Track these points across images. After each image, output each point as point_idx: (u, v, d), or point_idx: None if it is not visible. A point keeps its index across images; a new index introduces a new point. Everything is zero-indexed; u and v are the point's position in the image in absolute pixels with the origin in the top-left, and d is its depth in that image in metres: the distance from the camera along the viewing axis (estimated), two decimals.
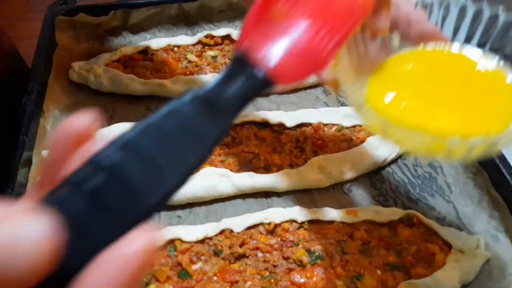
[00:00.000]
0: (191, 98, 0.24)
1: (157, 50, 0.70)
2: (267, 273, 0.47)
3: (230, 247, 0.48)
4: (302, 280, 0.46)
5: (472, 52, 0.42)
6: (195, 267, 0.47)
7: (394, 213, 0.51)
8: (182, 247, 0.48)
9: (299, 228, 0.50)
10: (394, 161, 0.58)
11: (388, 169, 0.58)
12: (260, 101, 0.65)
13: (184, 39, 0.72)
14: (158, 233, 0.20)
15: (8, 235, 0.16)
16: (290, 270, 0.47)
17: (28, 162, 0.54)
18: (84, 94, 0.66)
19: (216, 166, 0.55)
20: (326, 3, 0.32)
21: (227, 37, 0.73)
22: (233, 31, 0.73)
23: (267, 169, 0.56)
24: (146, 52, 0.70)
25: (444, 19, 0.43)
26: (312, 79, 0.65)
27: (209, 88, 0.25)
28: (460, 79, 0.41)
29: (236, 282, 0.46)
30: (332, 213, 0.51)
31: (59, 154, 0.22)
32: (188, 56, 0.70)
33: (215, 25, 0.78)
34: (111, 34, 0.75)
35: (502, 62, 0.41)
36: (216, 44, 0.72)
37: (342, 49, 0.33)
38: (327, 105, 0.65)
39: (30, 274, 0.17)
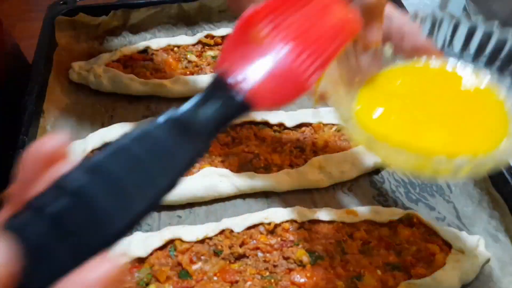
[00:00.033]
0: (165, 121, 0.24)
1: (157, 50, 0.70)
2: (267, 273, 0.47)
3: (230, 247, 0.48)
4: (302, 280, 0.46)
5: (465, 68, 0.42)
6: (195, 267, 0.47)
7: (394, 213, 0.51)
8: (182, 247, 0.48)
9: (299, 228, 0.50)
10: None
11: (388, 169, 0.58)
12: None
13: (184, 39, 0.71)
14: (122, 259, 0.20)
15: None
16: (290, 270, 0.47)
17: None
18: (84, 94, 0.66)
19: (216, 166, 0.55)
20: (309, 26, 0.31)
21: (227, 37, 0.72)
22: None
23: (267, 169, 0.56)
24: (146, 52, 0.70)
25: (438, 33, 0.42)
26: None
27: (184, 110, 0.25)
28: (451, 96, 0.40)
29: (236, 282, 0.46)
30: (332, 213, 0.51)
31: (28, 175, 0.21)
32: (188, 56, 0.70)
33: (215, 25, 0.78)
34: (111, 34, 0.75)
35: (495, 79, 0.40)
36: (216, 44, 0.72)
37: (332, 62, 0.32)
38: (327, 105, 0.65)
39: None
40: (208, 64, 0.69)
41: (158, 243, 0.48)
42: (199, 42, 0.71)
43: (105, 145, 0.57)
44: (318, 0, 0.33)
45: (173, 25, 0.77)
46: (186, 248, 0.48)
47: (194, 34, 0.74)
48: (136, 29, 0.76)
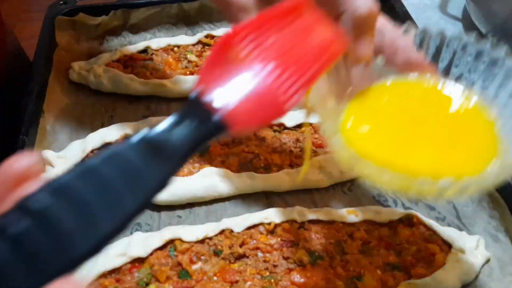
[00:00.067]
0: (138, 141, 0.23)
1: (157, 50, 0.70)
2: (267, 273, 0.47)
3: (230, 247, 0.48)
4: (302, 280, 0.46)
5: (457, 86, 0.41)
6: (195, 267, 0.47)
7: (394, 213, 0.51)
8: (182, 247, 0.48)
9: (299, 228, 0.50)
10: None
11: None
12: None
13: (184, 39, 0.71)
14: (85, 281, 0.19)
15: None
16: (290, 270, 0.47)
17: None
18: (84, 94, 0.66)
19: (216, 166, 0.55)
20: (291, 46, 0.30)
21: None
22: None
23: (267, 169, 0.56)
24: (146, 52, 0.70)
25: (427, 49, 0.41)
26: None
27: (158, 131, 0.24)
28: (441, 116, 0.39)
29: (236, 282, 0.46)
30: (332, 213, 0.51)
31: None
32: (188, 56, 0.70)
33: (215, 25, 0.78)
34: (111, 34, 0.75)
35: (486, 98, 0.39)
36: None
37: (318, 79, 0.31)
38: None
39: None
40: None
41: (158, 243, 0.48)
42: (199, 42, 0.71)
43: (105, 145, 0.57)
44: (301, 20, 0.32)
45: (173, 25, 0.77)
46: (186, 248, 0.48)
47: (194, 34, 0.73)
48: (136, 29, 0.76)
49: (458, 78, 0.41)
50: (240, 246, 0.48)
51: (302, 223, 0.50)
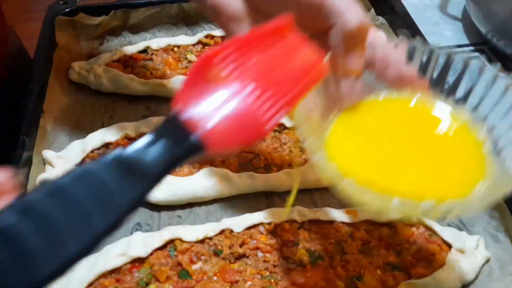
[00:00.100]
0: (111, 160, 0.23)
1: (157, 50, 0.70)
2: (267, 273, 0.47)
3: (230, 247, 0.48)
4: (302, 280, 0.46)
5: (446, 106, 0.40)
6: (195, 267, 0.47)
7: None
8: (182, 247, 0.48)
9: (299, 228, 0.50)
10: None
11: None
12: None
13: (184, 39, 0.71)
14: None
15: None
16: (290, 270, 0.47)
17: (28, 162, 0.54)
18: (84, 94, 0.66)
19: (216, 166, 0.55)
20: (273, 68, 0.30)
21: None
22: None
23: (267, 169, 0.56)
24: (146, 52, 0.70)
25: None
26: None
27: (132, 149, 0.24)
28: (429, 135, 0.38)
29: (236, 282, 0.46)
30: (332, 213, 0.51)
31: None
32: (188, 56, 0.70)
33: (215, 25, 0.78)
34: (111, 34, 0.75)
35: (476, 118, 0.38)
36: (216, 44, 0.72)
37: (298, 102, 0.30)
38: None
39: None
40: None
41: (158, 243, 0.48)
42: (199, 42, 0.71)
43: (105, 145, 0.57)
44: (284, 42, 0.32)
45: (173, 25, 0.77)
46: (186, 248, 0.48)
47: (194, 34, 0.73)
48: (136, 29, 0.76)
49: (459, 100, 0.40)
50: (240, 246, 0.48)
51: (302, 223, 0.50)
